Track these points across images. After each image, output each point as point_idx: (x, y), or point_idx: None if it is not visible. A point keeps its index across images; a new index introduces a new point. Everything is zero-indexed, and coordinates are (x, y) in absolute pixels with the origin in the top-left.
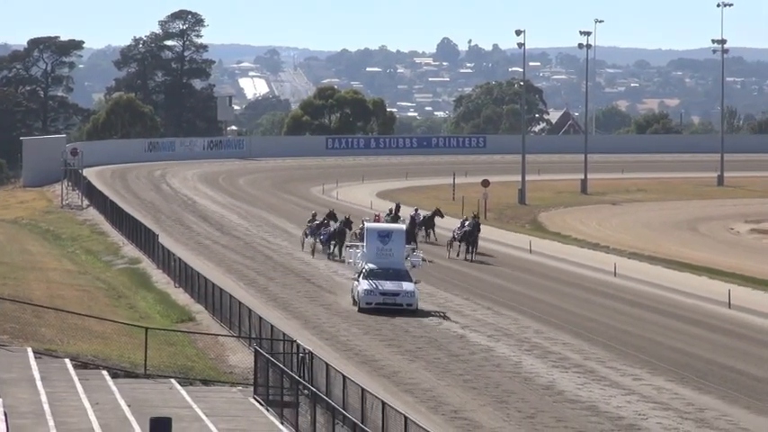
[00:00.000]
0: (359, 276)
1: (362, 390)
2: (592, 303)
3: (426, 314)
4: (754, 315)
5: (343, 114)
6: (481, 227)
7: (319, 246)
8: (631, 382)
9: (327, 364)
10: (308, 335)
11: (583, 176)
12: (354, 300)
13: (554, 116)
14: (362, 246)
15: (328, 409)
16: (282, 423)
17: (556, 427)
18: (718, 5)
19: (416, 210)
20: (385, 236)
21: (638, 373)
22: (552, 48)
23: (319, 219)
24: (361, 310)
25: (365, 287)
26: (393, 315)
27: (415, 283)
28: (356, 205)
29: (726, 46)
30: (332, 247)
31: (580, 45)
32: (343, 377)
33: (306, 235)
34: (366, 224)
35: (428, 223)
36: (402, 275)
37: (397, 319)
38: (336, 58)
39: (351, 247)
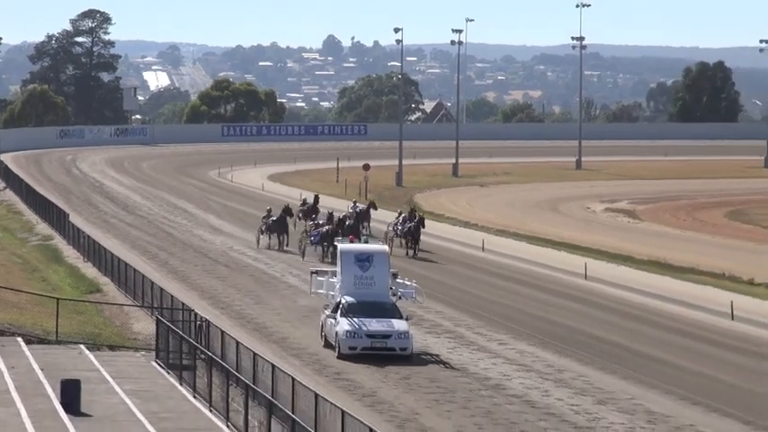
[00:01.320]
0: (335, 312)
1: (254, 354)
2: (461, 276)
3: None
4: (607, 285)
5: (238, 104)
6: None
7: (318, 249)
8: (497, 347)
9: (222, 331)
10: (205, 305)
11: (454, 161)
12: (328, 341)
13: (428, 106)
14: (334, 272)
15: (223, 372)
16: (181, 384)
17: (428, 387)
18: (578, 6)
19: (355, 202)
20: (364, 260)
21: (503, 338)
22: (427, 44)
23: (276, 214)
24: (341, 357)
25: (346, 328)
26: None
27: (407, 319)
28: (251, 188)
29: (584, 42)
30: (324, 249)
31: (452, 42)
32: (237, 343)
33: (261, 231)
34: (339, 246)
35: (364, 216)
36: (389, 311)
37: (284, 290)
38: (231, 53)
39: (318, 273)
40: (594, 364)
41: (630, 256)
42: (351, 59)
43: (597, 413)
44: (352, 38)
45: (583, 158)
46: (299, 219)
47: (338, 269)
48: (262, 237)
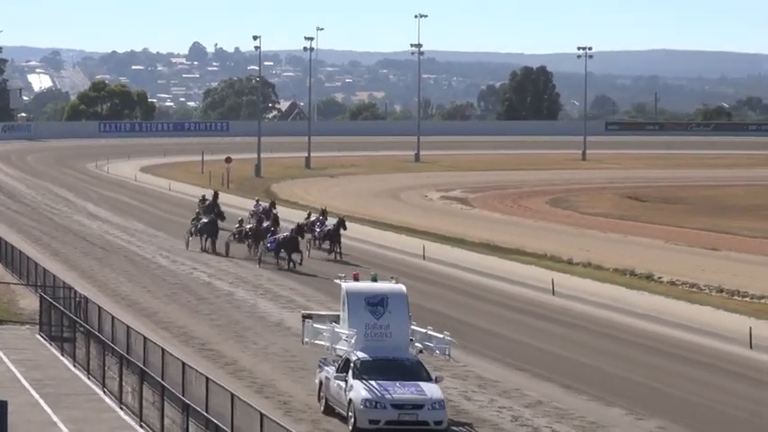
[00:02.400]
0: (344, 371)
1: (128, 327)
2: (313, 257)
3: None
4: (442, 265)
5: (113, 104)
6: (347, 223)
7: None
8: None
9: (99, 307)
10: (84, 283)
11: (307, 154)
12: (330, 405)
13: (284, 105)
14: (333, 317)
15: (100, 343)
16: (63, 355)
17: (284, 355)
18: (416, 16)
19: (257, 200)
20: (377, 303)
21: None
22: (282, 50)
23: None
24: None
25: (365, 395)
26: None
27: (437, 381)
28: (125, 178)
29: (422, 49)
30: (279, 256)
31: (305, 48)
32: (112, 317)
33: (191, 234)
34: (344, 286)
35: (334, 237)
36: (413, 370)
37: (157, 270)
38: (108, 58)
39: (311, 318)
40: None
41: (463, 239)
42: (214, 64)
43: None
44: (216, 44)
45: (421, 152)
46: (199, 214)
47: (343, 315)
48: (191, 239)
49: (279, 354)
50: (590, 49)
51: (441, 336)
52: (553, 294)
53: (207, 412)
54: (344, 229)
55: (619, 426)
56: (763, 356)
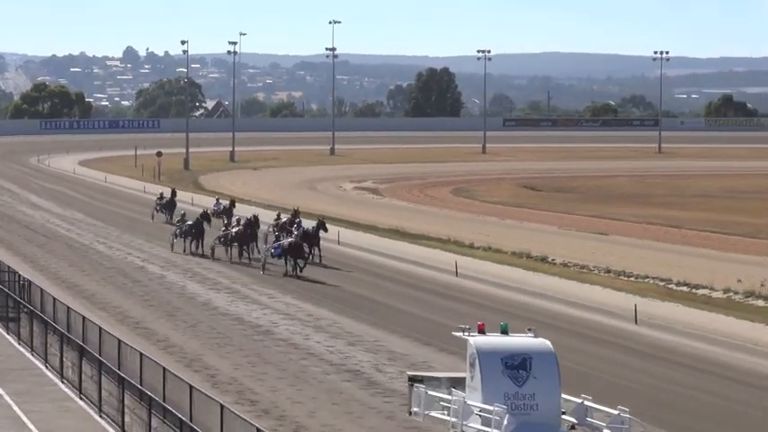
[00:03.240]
0: None
1: (68, 308)
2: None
3: None
4: (355, 249)
5: (53, 103)
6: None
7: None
8: (267, 300)
9: (42, 289)
10: (27, 267)
11: (231, 149)
12: None
13: (210, 104)
14: (450, 381)
15: (42, 322)
16: (8, 333)
17: (211, 333)
18: (330, 22)
19: (218, 200)
20: (518, 366)
21: (272, 293)
22: (208, 53)
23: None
24: None
25: None
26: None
27: None
28: (65, 171)
29: (336, 52)
30: (288, 263)
31: (229, 52)
32: (54, 299)
33: (176, 235)
34: (473, 341)
35: (312, 239)
36: None
37: (94, 255)
38: (48, 61)
39: (421, 381)
40: (345, 313)
41: (375, 226)
42: (146, 66)
43: (348, 353)
44: (147, 48)
45: (335, 147)
46: (157, 211)
47: (473, 380)
48: (176, 241)
49: (206, 331)
50: (489, 51)
51: (613, 411)
52: (456, 276)
53: (141, 385)
54: (325, 230)
55: None
56: (647, 331)
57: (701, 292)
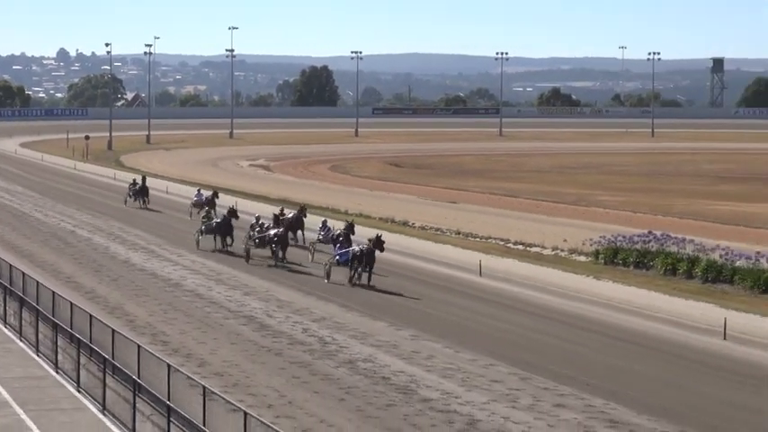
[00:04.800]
0: None
1: (10, 265)
2: (156, 211)
3: None
4: (251, 216)
5: None
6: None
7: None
8: (177, 258)
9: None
10: None
11: (147, 133)
12: None
13: (129, 96)
14: None
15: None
16: None
17: (130, 285)
18: (230, 28)
19: (199, 190)
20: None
21: (181, 252)
22: (128, 53)
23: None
24: None
25: None
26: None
27: None
28: (8, 152)
29: (234, 53)
30: (353, 271)
31: (145, 53)
32: (10, 265)
33: (201, 233)
34: None
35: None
36: None
37: (33, 222)
38: None
39: None
40: (242, 268)
41: (266, 196)
42: (76, 64)
43: (244, 301)
44: (77, 49)
45: (234, 131)
46: (130, 197)
47: None
48: (202, 238)
49: (126, 284)
50: (361, 52)
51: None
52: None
53: (71, 329)
54: (353, 233)
55: (382, 334)
56: (490, 282)
57: (533, 249)
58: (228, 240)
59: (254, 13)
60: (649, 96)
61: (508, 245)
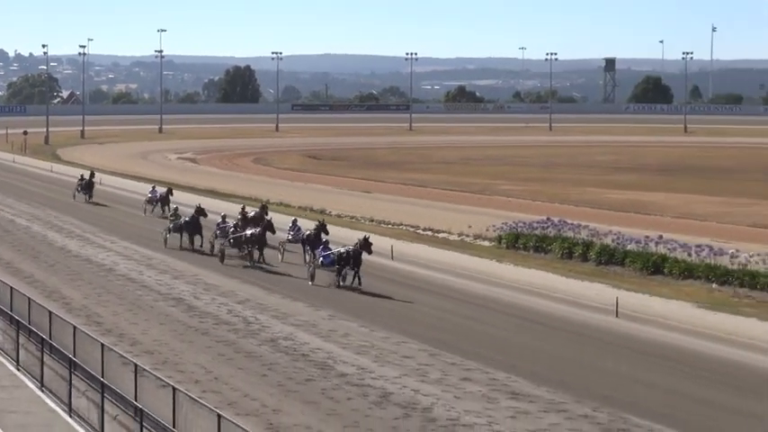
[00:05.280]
0: None
1: None
2: (85, 204)
3: None
4: (181, 206)
5: None
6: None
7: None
8: (110, 245)
9: None
10: None
11: (82, 128)
12: None
13: (65, 94)
14: None
15: None
16: None
17: (66, 270)
18: (159, 30)
19: (160, 189)
20: None
21: (114, 239)
22: (64, 54)
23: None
24: None
25: None
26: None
27: None
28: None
29: (163, 53)
30: (341, 274)
31: (80, 53)
32: None
33: (169, 231)
34: None
35: (313, 242)
36: None
37: None
38: None
39: None
40: (171, 253)
41: (194, 187)
42: (15, 64)
43: (173, 285)
44: (15, 50)
45: (163, 126)
46: (78, 192)
47: None
48: (169, 236)
49: (62, 269)
50: (281, 53)
51: None
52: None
53: (11, 312)
54: (326, 233)
55: (302, 314)
56: (402, 265)
57: (441, 235)
58: (198, 240)
59: (181, 16)
60: (547, 93)
61: (418, 231)
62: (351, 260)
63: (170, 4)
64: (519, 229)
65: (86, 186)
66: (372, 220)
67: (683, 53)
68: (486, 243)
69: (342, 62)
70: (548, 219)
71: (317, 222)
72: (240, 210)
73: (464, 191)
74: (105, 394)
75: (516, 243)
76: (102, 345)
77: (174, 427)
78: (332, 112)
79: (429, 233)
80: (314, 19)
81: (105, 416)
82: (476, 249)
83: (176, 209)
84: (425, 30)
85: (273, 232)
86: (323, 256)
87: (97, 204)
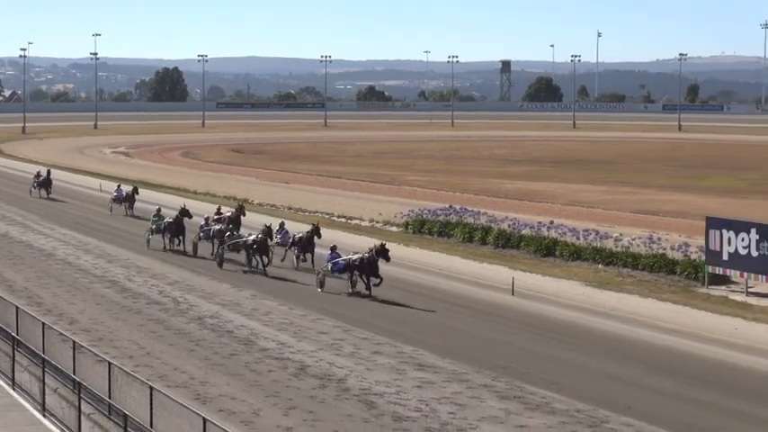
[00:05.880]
0: None
1: None
2: (29, 196)
3: None
4: (109, 194)
5: None
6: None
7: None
8: (49, 231)
9: None
10: None
11: (23, 125)
12: None
13: (7, 93)
14: None
15: None
16: None
17: (8, 255)
18: (93, 35)
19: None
20: None
21: (52, 226)
22: (5, 56)
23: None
24: None
25: None
26: None
27: None
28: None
29: (98, 55)
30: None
31: (20, 56)
32: None
33: (152, 232)
34: None
35: (306, 246)
36: None
37: None
38: None
39: None
40: (105, 240)
41: (127, 178)
42: None
43: (108, 268)
44: None
45: (98, 123)
46: (35, 188)
47: None
48: (152, 237)
49: (5, 254)
50: (206, 56)
51: None
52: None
53: None
54: (319, 236)
55: (227, 295)
56: (317, 249)
57: (354, 222)
58: (176, 241)
59: (115, 21)
60: (449, 93)
61: (332, 218)
62: (366, 268)
63: (105, 10)
64: (424, 216)
65: (44, 183)
66: (291, 208)
67: (572, 56)
68: (395, 229)
69: (263, 64)
70: (450, 206)
71: (311, 225)
72: (216, 210)
73: (374, 181)
74: (46, 369)
75: (422, 229)
76: (43, 323)
77: (109, 398)
78: (253, 110)
79: (342, 220)
80: (237, 24)
81: (46, 389)
82: (385, 234)
83: (159, 209)
84: (339, 34)
85: (272, 239)
86: (333, 263)
87: (51, 199)
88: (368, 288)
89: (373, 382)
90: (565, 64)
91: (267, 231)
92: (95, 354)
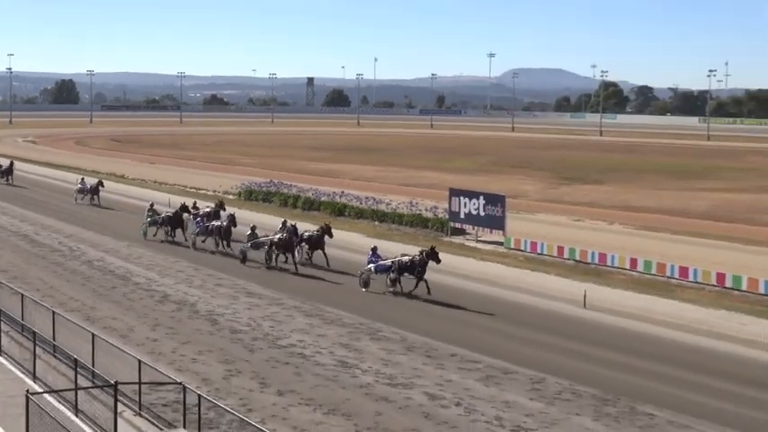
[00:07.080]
0: None
1: None
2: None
3: None
4: (29, 174)
5: None
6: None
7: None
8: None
9: None
10: None
11: None
12: None
13: None
14: None
15: None
16: None
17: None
18: (9, 54)
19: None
20: None
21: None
22: None
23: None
24: None
25: None
26: None
27: None
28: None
29: (12, 71)
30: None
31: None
32: None
33: (148, 224)
34: None
35: (316, 244)
36: None
37: None
38: None
39: None
40: (18, 203)
41: (35, 160)
42: None
43: (20, 226)
44: None
45: (13, 120)
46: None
47: None
48: (149, 229)
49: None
50: (93, 71)
51: None
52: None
53: None
54: (330, 236)
55: (109, 244)
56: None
57: (201, 191)
58: (172, 233)
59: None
60: (270, 100)
61: (186, 189)
62: (416, 269)
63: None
64: (252, 188)
65: (6, 172)
66: (156, 182)
67: (357, 74)
68: (231, 196)
69: (135, 78)
70: (271, 181)
71: (321, 225)
72: (192, 204)
73: (217, 162)
74: None
75: (251, 196)
76: (13, 288)
77: (22, 320)
78: (128, 111)
79: (193, 190)
80: (116, 47)
81: None
82: (228, 202)
83: (152, 204)
84: (190, 54)
85: (297, 236)
86: (375, 264)
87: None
88: (417, 287)
89: (216, 305)
90: (352, 80)
91: (293, 230)
92: (12, 288)
